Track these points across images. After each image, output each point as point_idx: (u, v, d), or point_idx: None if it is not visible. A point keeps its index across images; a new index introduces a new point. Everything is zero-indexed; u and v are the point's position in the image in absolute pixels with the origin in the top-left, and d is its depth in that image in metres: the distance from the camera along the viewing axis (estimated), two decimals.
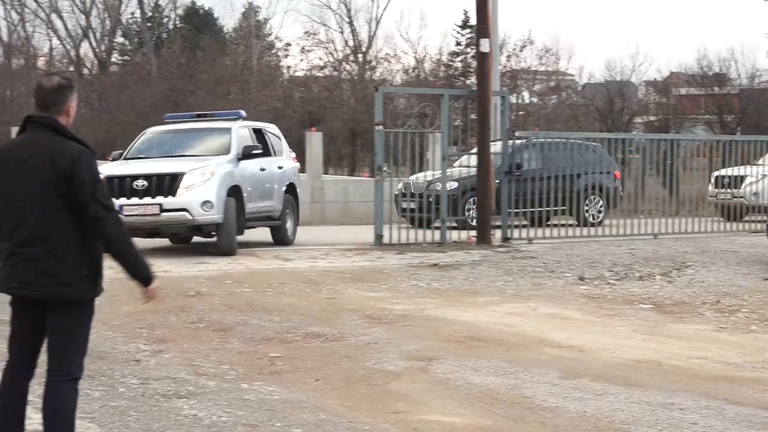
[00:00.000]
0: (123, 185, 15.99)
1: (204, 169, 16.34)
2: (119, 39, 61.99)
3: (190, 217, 16.01)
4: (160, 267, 14.60)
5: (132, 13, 61.67)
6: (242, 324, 11.03)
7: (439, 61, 55.55)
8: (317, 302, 12.57)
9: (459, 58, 55.55)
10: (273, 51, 59.97)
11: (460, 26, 55.79)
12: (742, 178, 23.01)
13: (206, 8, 60.73)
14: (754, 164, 22.56)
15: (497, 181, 18.59)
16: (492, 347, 10.07)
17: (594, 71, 74.46)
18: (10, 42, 62.46)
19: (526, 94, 55.41)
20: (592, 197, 21.38)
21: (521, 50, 53.10)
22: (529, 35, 71.19)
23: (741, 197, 23.04)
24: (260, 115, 45.46)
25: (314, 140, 29.17)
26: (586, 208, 21.16)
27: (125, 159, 17.50)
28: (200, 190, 16.04)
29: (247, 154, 17.34)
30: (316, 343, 10.21)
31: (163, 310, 11.58)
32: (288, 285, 13.65)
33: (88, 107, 57.60)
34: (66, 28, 60.85)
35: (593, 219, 21.36)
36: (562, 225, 20.15)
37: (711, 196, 22.61)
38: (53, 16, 60.79)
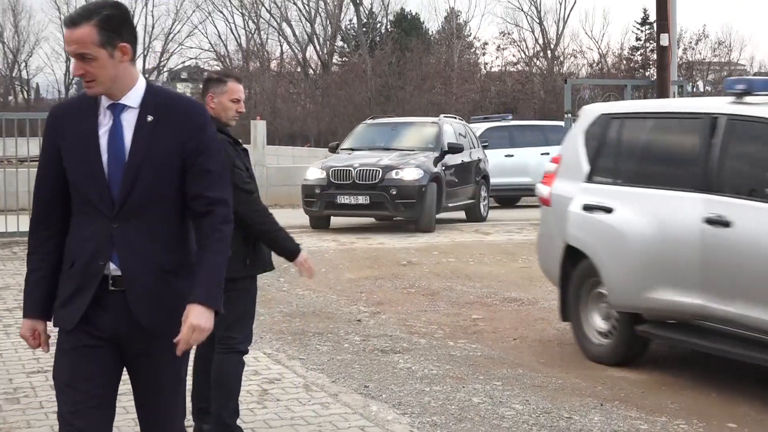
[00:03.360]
0: None
1: None
2: (339, 42, 63.31)
3: None
4: (375, 240, 14.81)
5: (350, 20, 63.05)
6: (448, 289, 11.06)
7: (620, 55, 54.57)
8: (514, 271, 12.48)
9: (639, 52, 54.34)
10: (472, 50, 60.05)
11: (640, 23, 54.51)
12: None
13: (413, 13, 61.51)
14: None
15: None
16: None
17: (765, 61, 71.39)
18: (247, 48, 64.51)
19: (700, 84, 53.84)
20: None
21: (696, 43, 52.09)
22: (704, 29, 69.46)
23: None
24: (461, 106, 45.61)
25: None
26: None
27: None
28: None
29: None
30: (513, 307, 10.15)
31: (379, 277, 11.73)
32: (487, 255, 13.59)
33: (313, 102, 59.10)
34: (294, 35, 62.67)
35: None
36: None
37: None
38: (283, 25, 62.54)
